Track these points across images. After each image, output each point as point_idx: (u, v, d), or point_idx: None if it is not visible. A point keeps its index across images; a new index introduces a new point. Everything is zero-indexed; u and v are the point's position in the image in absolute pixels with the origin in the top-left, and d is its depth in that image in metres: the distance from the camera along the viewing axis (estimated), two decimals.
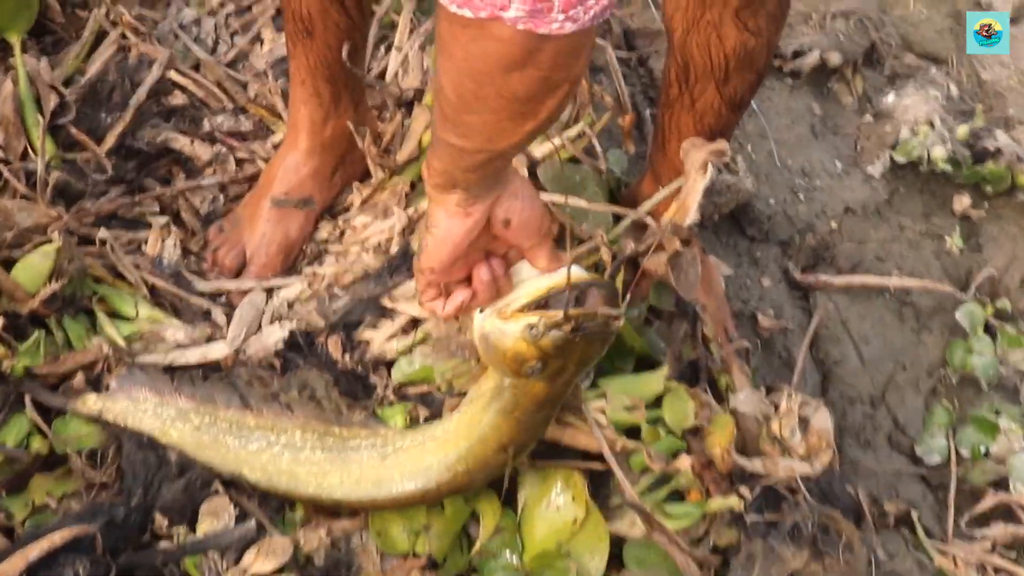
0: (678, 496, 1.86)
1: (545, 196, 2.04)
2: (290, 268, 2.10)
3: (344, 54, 1.99)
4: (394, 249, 2.05)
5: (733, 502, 1.86)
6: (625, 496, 1.80)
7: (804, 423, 1.99)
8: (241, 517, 1.73)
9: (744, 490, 1.89)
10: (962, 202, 2.75)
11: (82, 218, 2.03)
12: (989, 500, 2.25)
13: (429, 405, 1.89)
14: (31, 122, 2.11)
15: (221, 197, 2.19)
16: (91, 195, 2.10)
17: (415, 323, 1.97)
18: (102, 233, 1.98)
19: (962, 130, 2.74)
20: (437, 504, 1.78)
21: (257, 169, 2.21)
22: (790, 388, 2.07)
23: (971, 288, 2.60)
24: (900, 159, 2.73)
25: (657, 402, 1.87)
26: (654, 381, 1.88)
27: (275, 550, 1.67)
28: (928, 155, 2.70)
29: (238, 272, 2.08)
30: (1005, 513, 2.26)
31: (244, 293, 2.03)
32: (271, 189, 2.11)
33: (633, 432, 1.84)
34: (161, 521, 1.69)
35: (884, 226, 2.67)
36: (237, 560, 1.68)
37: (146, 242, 2.07)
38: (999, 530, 2.20)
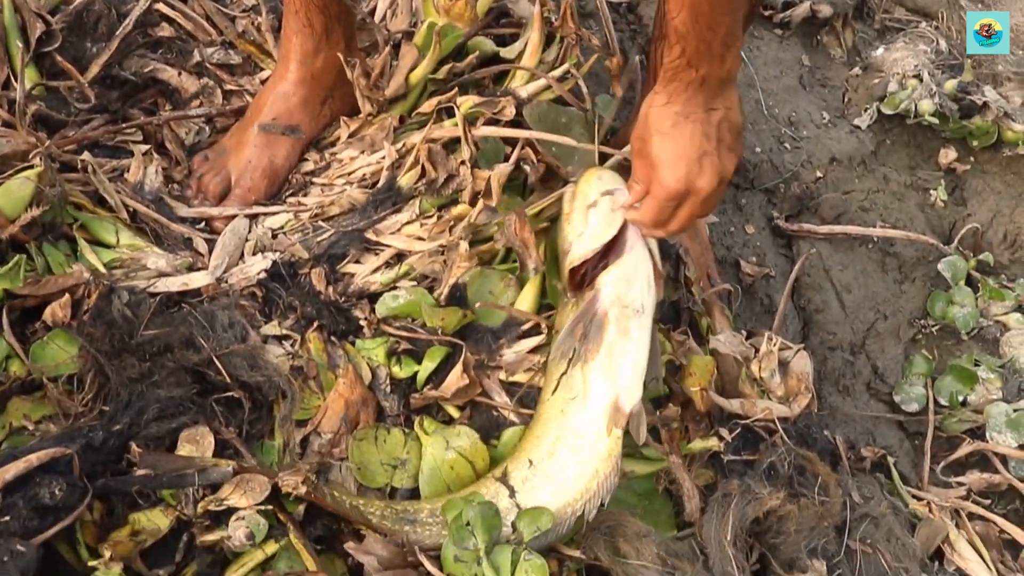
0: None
1: (531, 135, 2.04)
2: (274, 197, 2.09)
3: None
4: (381, 183, 2.04)
5: (712, 444, 1.88)
6: None
7: (784, 366, 2.00)
8: (220, 445, 1.73)
9: (724, 432, 1.90)
10: (948, 156, 2.75)
11: (64, 145, 2.01)
12: (965, 448, 2.27)
13: (412, 340, 1.89)
14: (14, 50, 2.08)
15: (207, 128, 2.17)
16: (73, 124, 2.09)
17: (399, 257, 1.96)
18: (85, 156, 1.97)
19: (950, 84, 2.73)
20: None
21: (244, 103, 2.19)
22: (770, 332, 2.09)
23: (954, 240, 2.61)
24: (887, 111, 2.73)
25: None
26: None
27: (254, 488, 1.66)
28: (915, 108, 2.70)
29: (222, 198, 2.06)
30: (981, 461, 2.28)
31: (227, 219, 2.01)
32: (259, 117, 2.10)
33: None
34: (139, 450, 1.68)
35: (869, 177, 2.67)
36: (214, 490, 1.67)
37: (128, 170, 2.05)
38: (974, 477, 2.22)
